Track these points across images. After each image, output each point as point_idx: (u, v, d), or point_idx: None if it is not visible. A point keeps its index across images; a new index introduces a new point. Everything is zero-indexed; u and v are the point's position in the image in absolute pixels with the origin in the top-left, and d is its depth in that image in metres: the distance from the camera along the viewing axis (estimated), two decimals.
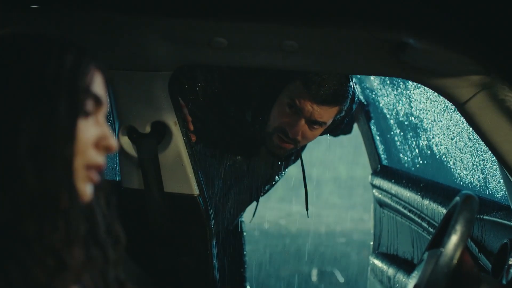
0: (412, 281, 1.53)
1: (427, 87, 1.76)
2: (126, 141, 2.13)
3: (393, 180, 3.02)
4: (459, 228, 1.42)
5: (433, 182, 2.71)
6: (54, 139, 0.98)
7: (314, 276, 5.87)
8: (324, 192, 8.73)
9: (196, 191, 2.17)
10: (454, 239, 1.41)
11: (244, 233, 2.88)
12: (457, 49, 1.58)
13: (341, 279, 5.79)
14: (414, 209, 2.74)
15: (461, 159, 2.45)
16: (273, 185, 2.67)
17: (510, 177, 1.74)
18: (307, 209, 2.60)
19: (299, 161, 2.59)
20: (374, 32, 1.60)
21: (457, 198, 1.51)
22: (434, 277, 1.41)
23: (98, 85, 1.05)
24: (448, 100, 1.74)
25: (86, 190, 1.03)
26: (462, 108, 1.70)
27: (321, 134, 2.44)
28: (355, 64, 1.81)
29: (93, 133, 1.03)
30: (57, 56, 1.02)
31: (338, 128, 2.50)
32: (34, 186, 0.96)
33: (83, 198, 1.02)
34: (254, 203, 2.69)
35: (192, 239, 2.21)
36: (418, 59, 1.65)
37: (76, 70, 1.02)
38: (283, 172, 2.65)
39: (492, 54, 1.60)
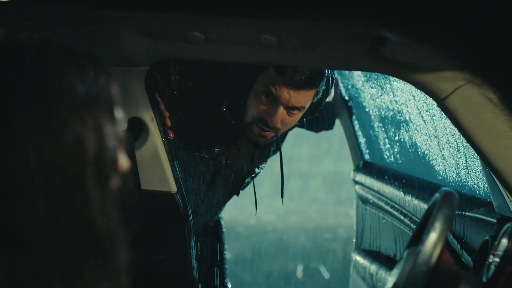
0: (391, 279, 1.51)
1: (407, 82, 1.73)
2: None
3: (375, 176, 3.01)
4: (438, 226, 1.40)
5: (415, 178, 2.70)
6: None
7: (299, 272, 5.86)
8: (311, 188, 8.74)
9: (174, 189, 2.14)
10: (432, 236, 1.39)
11: (223, 229, 2.86)
12: (436, 44, 1.56)
13: (327, 275, 5.79)
14: (396, 206, 2.73)
15: (444, 154, 2.44)
16: (253, 178, 2.64)
17: (491, 173, 1.72)
18: (282, 197, 2.60)
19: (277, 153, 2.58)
20: (351, 26, 1.58)
21: (437, 195, 1.49)
22: (413, 275, 1.39)
23: None
24: (428, 95, 1.72)
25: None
26: (442, 103, 1.67)
27: (300, 119, 2.41)
28: (334, 58, 1.78)
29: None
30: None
31: (316, 111, 2.47)
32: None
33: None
34: (253, 197, 2.67)
35: (170, 237, 2.18)
36: (397, 53, 1.62)
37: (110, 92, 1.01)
38: (263, 165, 2.62)
39: (472, 48, 1.58)
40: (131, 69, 1.97)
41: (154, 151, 2.10)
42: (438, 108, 2.20)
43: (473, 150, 1.75)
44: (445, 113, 1.71)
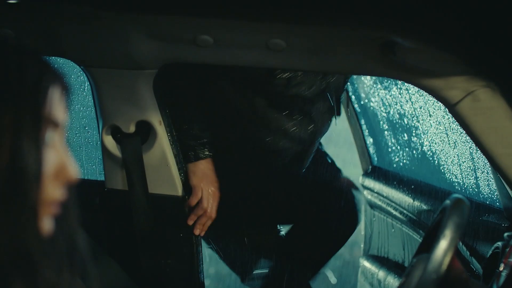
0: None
1: (417, 87, 1.72)
2: (110, 141, 2.08)
3: (384, 181, 2.99)
4: (448, 233, 1.37)
5: (424, 184, 2.68)
6: (20, 180, 0.84)
7: None
8: None
9: (181, 192, 2.13)
10: (443, 244, 1.37)
11: None
12: (447, 49, 1.54)
13: (333, 280, 5.75)
14: (405, 211, 2.71)
15: (454, 160, 2.42)
16: None
17: (502, 180, 1.70)
18: None
19: None
20: (361, 30, 1.56)
21: (447, 202, 1.46)
22: (422, 283, 1.37)
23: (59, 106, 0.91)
24: (439, 101, 1.70)
25: (46, 225, 0.89)
26: (453, 109, 1.66)
27: None
28: (344, 63, 1.77)
29: (52, 164, 0.88)
30: (18, 71, 0.85)
31: None
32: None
33: (44, 234, 0.89)
34: None
35: (177, 241, 2.17)
36: (407, 58, 1.61)
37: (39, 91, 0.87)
38: None
39: (483, 54, 1.56)
40: (140, 72, 1.97)
41: (161, 155, 2.09)
42: (448, 113, 2.19)
43: (484, 157, 1.73)
44: (455, 119, 1.69)
